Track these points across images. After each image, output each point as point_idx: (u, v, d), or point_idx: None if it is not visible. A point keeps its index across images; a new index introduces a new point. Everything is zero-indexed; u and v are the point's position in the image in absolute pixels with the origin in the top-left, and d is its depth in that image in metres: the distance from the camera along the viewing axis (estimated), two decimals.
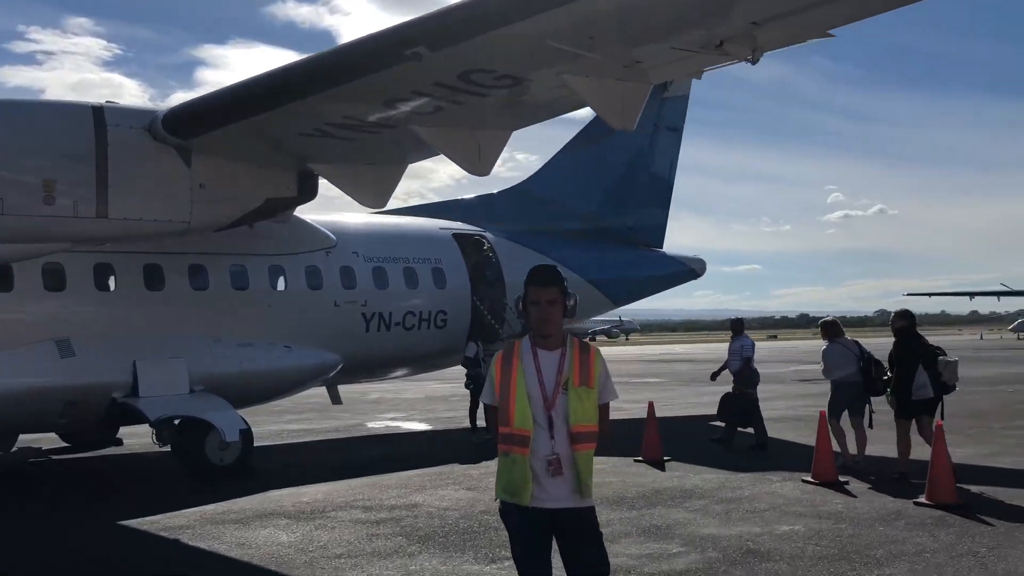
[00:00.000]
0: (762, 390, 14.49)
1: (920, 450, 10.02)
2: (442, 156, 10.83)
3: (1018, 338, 76.30)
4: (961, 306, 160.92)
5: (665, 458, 12.23)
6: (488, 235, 17.68)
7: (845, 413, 11.34)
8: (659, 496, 9.78)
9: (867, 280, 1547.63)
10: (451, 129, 10.12)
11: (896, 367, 10.32)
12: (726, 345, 14.60)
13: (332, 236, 14.90)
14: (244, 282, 13.57)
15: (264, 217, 12.44)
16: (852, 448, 11.24)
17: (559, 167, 20.05)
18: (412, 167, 12.80)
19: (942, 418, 9.80)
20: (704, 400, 20.04)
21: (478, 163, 10.36)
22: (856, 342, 11.48)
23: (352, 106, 9.62)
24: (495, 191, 20.25)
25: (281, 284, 14.08)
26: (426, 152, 11.86)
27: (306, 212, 14.43)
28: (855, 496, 9.55)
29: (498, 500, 4.47)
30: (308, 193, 12.37)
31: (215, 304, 13.24)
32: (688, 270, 21.73)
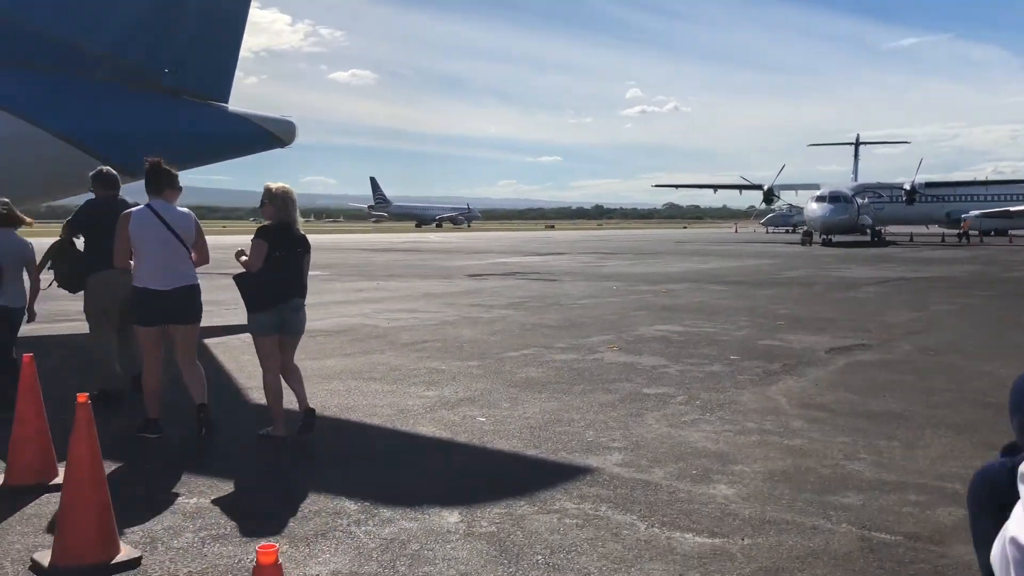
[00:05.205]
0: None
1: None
2: None
3: (767, 231, 78.33)
4: (741, 200, 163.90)
5: None
6: None
7: None
8: None
9: (659, 174, 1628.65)
10: None
11: None
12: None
13: None
14: None
15: None
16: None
17: None
18: None
19: None
20: None
21: None
22: None
23: None
24: None
25: None
26: None
27: None
28: None
29: None
30: None
31: None
32: (263, 132, 16.39)
